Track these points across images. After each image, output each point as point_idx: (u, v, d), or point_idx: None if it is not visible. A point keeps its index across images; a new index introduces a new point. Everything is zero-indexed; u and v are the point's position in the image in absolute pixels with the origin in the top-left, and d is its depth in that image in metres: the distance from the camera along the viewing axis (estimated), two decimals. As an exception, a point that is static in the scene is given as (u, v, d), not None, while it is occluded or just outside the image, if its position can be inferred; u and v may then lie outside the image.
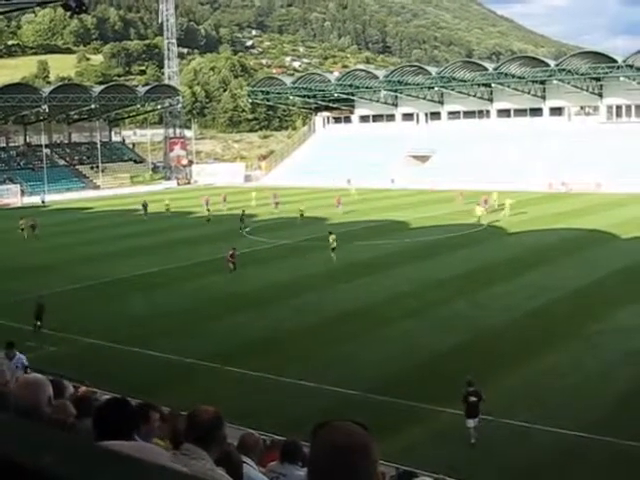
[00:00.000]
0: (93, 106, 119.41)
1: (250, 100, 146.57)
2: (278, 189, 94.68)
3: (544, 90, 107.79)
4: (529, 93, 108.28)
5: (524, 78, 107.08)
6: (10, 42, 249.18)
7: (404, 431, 22.13)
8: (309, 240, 57.06)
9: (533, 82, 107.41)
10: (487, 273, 43.49)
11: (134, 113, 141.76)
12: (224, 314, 36.79)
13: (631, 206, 63.64)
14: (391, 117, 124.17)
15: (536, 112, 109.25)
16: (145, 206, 76.92)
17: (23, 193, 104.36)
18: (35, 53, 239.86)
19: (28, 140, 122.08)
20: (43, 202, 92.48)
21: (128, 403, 5.59)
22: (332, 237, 49.41)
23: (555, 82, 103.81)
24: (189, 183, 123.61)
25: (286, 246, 56.24)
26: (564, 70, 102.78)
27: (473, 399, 21.51)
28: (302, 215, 67.26)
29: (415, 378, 26.79)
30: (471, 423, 21.40)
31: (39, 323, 34.24)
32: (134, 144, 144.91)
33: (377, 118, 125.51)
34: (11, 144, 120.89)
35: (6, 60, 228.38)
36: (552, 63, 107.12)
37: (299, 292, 40.40)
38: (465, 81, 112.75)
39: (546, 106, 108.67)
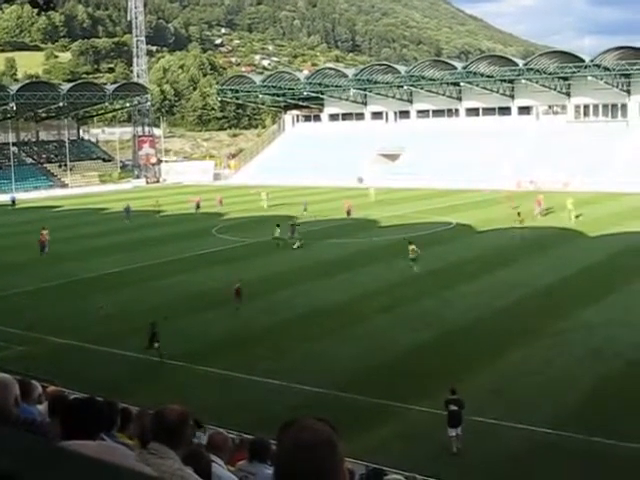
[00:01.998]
0: (61, 104, 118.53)
1: (219, 98, 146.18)
2: (255, 187, 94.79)
3: (512, 89, 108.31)
4: (498, 92, 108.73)
5: (493, 77, 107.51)
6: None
7: (374, 429, 22.19)
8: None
9: (502, 81, 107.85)
10: (456, 271, 43.68)
11: (102, 111, 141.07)
12: (193, 312, 36.71)
13: (598, 204, 64.14)
14: (360, 116, 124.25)
15: (505, 111, 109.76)
16: (128, 210, 72.63)
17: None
18: (2, 50, 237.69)
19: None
20: (13, 202, 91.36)
21: (96, 402, 5.58)
22: (412, 247, 45.11)
23: (523, 81, 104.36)
24: (158, 182, 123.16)
25: (257, 244, 56.16)
26: (532, 69, 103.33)
27: (453, 408, 21.22)
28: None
29: (385, 376, 26.85)
30: (452, 432, 21.05)
31: (156, 345, 29.96)
32: (102, 142, 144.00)
33: (346, 116, 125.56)
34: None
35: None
36: (520, 62, 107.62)
37: (271, 290, 40.40)
38: (434, 80, 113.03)
39: (514, 105, 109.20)
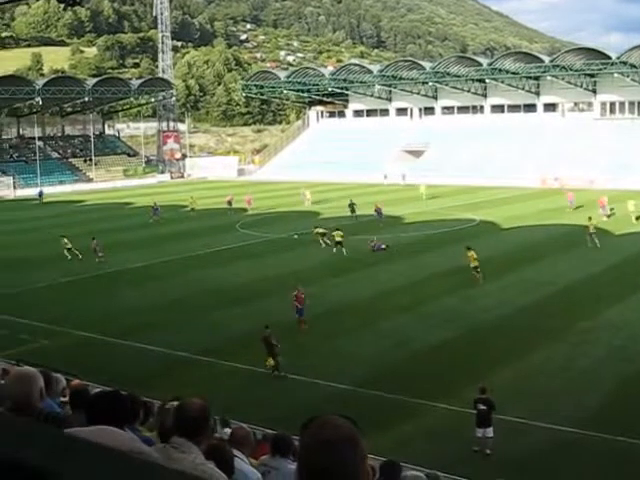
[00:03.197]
0: (87, 99, 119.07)
1: (244, 94, 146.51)
2: (277, 183, 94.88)
3: (538, 86, 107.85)
4: (523, 89, 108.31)
5: (518, 74, 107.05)
6: (4, 34, 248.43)
7: (395, 426, 22.16)
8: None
9: (527, 78, 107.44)
10: (480, 268, 43.51)
11: (128, 106, 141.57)
12: (216, 307, 36.79)
13: (624, 202, 63.65)
14: (385, 112, 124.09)
15: (530, 108, 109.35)
16: (156, 208, 70.23)
17: (16, 186, 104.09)
18: (29, 45, 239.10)
19: (21, 132, 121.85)
20: (40, 195, 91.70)
21: (120, 396, 5.61)
22: (471, 254, 43.24)
23: (549, 78, 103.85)
24: (182, 177, 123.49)
25: (279, 240, 56.21)
26: (558, 66, 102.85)
27: (482, 407, 20.92)
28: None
29: (406, 373, 26.82)
30: (479, 433, 20.82)
31: (276, 360, 27.40)
32: (127, 137, 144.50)
33: (371, 113, 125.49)
34: (4, 136, 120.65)
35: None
36: (546, 59, 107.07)
37: (292, 287, 40.39)
38: (459, 76, 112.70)
39: (540, 102, 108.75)
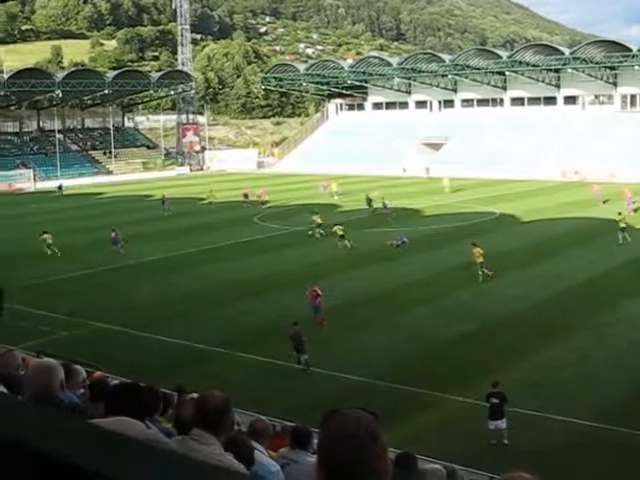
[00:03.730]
0: (106, 91, 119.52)
1: (263, 87, 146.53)
2: (297, 176, 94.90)
3: (558, 78, 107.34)
4: (543, 81, 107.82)
5: (538, 66, 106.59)
6: (24, 27, 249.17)
7: (412, 418, 22.19)
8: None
9: (547, 70, 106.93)
10: (498, 261, 43.35)
11: (147, 99, 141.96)
12: (234, 300, 36.87)
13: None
14: (404, 105, 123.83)
15: (550, 101, 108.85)
16: (165, 201, 70.76)
17: (36, 178, 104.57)
18: (49, 38, 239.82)
19: (41, 125, 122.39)
20: (60, 188, 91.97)
21: (139, 388, 5.63)
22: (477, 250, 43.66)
23: (569, 70, 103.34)
24: (202, 169, 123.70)
25: (298, 233, 56.22)
26: (578, 59, 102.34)
27: (495, 401, 21.09)
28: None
29: (424, 366, 26.83)
30: (492, 425, 21.00)
31: (304, 358, 27.17)
32: (146, 129, 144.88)
33: (390, 105, 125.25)
34: (24, 129, 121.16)
35: (20, 45, 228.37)
36: (567, 51, 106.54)
37: (310, 278, 40.41)
38: (479, 69, 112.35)
39: (560, 95, 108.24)
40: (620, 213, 50.83)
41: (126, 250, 49.81)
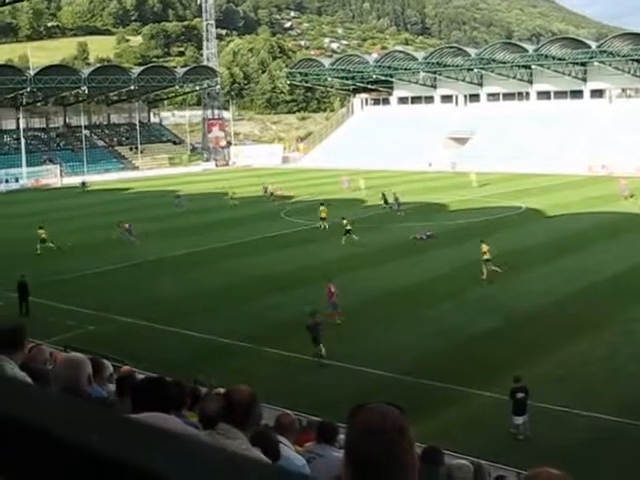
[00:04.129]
0: (132, 87, 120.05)
1: (288, 82, 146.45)
2: (322, 171, 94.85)
3: (585, 72, 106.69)
4: (569, 75, 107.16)
5: (564, 60, 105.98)
6: (50, 24, 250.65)
7: (439, 414, 22.17)
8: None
9: (574, 64, 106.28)
10: (524, 256, 43.21)
11: (173, 94, 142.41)
12: (258, 295, 36.91)
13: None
14: (430, 99, 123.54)
15: (577, 94, 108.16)
16: (178, 197, 71.79)
17: (62, 174, 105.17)
18: (75, 35, 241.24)
19: (68, 121, 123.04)
20: (83, 184, 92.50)
21: (165, 382, 5.65)
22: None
23: (596, 64, 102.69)
24: (227, 164, 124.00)
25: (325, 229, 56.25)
26: (605, 52, 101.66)
27: (521, 395, 21.10)
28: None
29: (450, 361, 26.76)
30: (519, 420, 21.02)
31: (318, 349, 27.59)
32: (172, 125, 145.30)
33: (416, 100, 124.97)
34: (51, 125, 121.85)
35: (46, 42, 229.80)
36: (593, 45, 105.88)
37: (335, 273, 40.39)
38: (505, 63, 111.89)
39: (587, 88, 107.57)
40: None
41: (141, 242, 51.10)
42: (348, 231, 49.75)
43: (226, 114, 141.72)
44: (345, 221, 50.26)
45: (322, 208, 56.27)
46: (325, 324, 28.69)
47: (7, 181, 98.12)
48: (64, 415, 1.08)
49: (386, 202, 63.85)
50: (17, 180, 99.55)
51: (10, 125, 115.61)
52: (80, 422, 1.04)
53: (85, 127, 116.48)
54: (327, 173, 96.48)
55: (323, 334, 27.37)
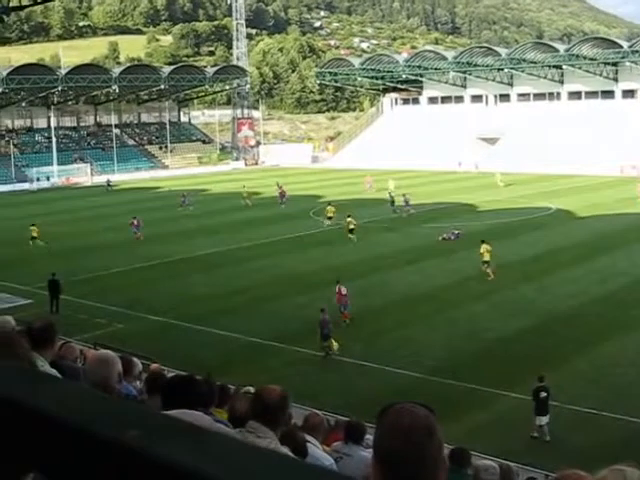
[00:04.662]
0: (162, 86, 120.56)
1: (318, 81, 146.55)
2: (351, 171, 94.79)
3: (616, 72, 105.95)
4: (601, 75, 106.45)
5: (596, 60, 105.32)
6: (81, 23, 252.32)
7: (468, 414, 22.09)
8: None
9: (605, 64, 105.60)
10: (554, 257, 43.01)
11: (203, 94, 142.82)
12: (287, 294, 36.95)
13: None
14: (460, 99, 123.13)
15: (608, 94, 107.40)
16: (183, 196, 71.01)
17: (93, 172, 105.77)
18: (105, 34, 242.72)
19: (98, 120, 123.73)
20: (108, 184, 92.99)
21: (195, 380, 5.68)
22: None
23: (628, 64, 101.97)
24: (257, 164, 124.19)
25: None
26: (637, 52, 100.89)
27: (544, 394, 21.02)
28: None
29: (480, 362, 26.67)
30: (544, 420, 20.94)
31: (329, 350, 28.27)
32: (202, 124, 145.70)
33: (445, 100, 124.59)
34: (82, 124, 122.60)
35: (77, 41, 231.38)
36: (625, 44, 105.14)
37: (364, 274, 40.38)
38: (535, 63, 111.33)
39: (618, 88, 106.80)
40: None
41: (148, 232, 53.04)
42: (351, 230, 50.38)
43: (256, 113, 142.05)
44: (349, 219, 50.90)
45: (329, 207, 56.86)
46: (341, 324, 29.98)
47: (38, 179, 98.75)
48: (100, 411, 1.08)
49: (392, 203, 63.47)
50: (48, 178, 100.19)
51: (42, 124, 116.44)
52: (116, 418, 1.05)
53: (115, 126, 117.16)
54: (356, 173, 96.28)
55: (330, 330, 27.87)
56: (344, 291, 32.56)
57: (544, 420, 20.94)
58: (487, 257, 39.67)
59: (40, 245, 50.87)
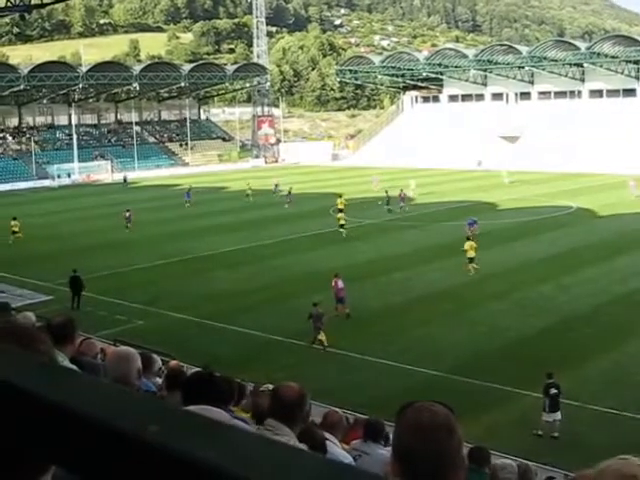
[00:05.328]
0: (183, 84, 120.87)
1: (338, 79, 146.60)
2: (372, 169, 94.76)
3: (638, 70, 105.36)
4: (622, 73, 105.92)
5: (617, 58, 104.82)
6: (102, 21, 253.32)
7: (486, 413, 22.04)
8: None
9: (627, 62, 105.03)
10: (575, 256, 42.83)
11: (223, 91, 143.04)
12: (307, 292, 36.93)
13: None
14: (480, 97, 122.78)
15: (629, 93, 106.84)
16: (188, 192, 72.05)
17: (113, 169, 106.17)
18: (126, 32, 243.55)
19: (119, 117, 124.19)
20: (125, 180, 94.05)
21: (215, 377, 5.69)
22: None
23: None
24: (277, 161, 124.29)
25: (373, 225, 56.17)
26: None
27: (555, 391, 21.03)
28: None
29: (499, 360, 26.60)
30: (554, 417, 20.95)
31: (319, 337, 28.93)
32: (222, 122, 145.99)
33: (466, 98, 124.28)
34: (103, 121, 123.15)
35: (98, 39, 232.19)
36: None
37: (384, 272, 40.34)
38: (556, 61, 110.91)
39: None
40: None
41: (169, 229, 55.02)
42: (342, 225, 52.01)
43: (276, 111, 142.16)
44: (340, 214, 53.34)
45: (340, 200, 57.13)
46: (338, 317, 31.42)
47: (59, 176, 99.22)
48: (121, 406, 1.11)
49: (388, 202, 63.10)
50: (69, 175, 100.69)
51: (63, 121, 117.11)
52: (138, 413, 1.07)
53: (136, 123, 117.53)
54: (376, 171, 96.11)
55: (323, 323, 28.73)
56: (340, 284, 32.89)
57: (557, 417, 20.92)
58: (472, 254, 40.39)
59: (21, 239, 51.91)
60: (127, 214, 57.46)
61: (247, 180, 78.25)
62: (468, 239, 41.61)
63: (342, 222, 52.11)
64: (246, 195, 72.12)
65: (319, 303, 29.56)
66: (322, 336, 28.48)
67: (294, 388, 5.23)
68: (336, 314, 32.14)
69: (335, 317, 31.57)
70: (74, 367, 5.68)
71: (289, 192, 69.09)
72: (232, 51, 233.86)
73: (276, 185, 76.45)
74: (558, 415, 20.99)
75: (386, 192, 64.13)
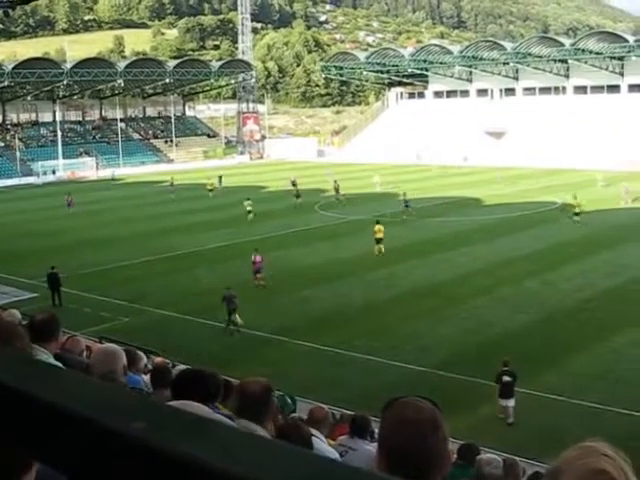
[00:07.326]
0: (167, 80, 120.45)
1: (323, 75, 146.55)
2: (356, 165, 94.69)
3: (622, 66, 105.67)
4: (607, 69, 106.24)
5: (602, 54, 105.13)
6: (86, 17, 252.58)
7: (472, 409, 22.09)
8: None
9: (611, 58, 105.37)
10: (560, 252, 42.97)
11: (208, 88, 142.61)
12: (294, 288, 36.96)
13: None
14: (465, 93, 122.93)
15: (614, 89, 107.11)
16: (172, 183, 77.78)
17: (98, 166, 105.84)
18: (111, 28, 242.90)
19: (103, 114, 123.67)
20: (113, 177, 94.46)
21: (204, 374, 5.68)
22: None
23: (634, 58, 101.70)
24: (262, 158, 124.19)
25: (358, 222, 56.18)
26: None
27: (507, 379, 21.58)
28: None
29: (486, 356, 26.60)
30: (504, 403, 21.65)
31: (235, 320, 30.67)
32: (207, 118, 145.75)
33: (451, 94, 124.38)
34: (87, 118, 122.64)
35: (82, 35, 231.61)
36: (631, 39, 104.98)
37: (372, 267, 40.39)
38: (541, 57, 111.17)
39: (624, 83, 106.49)
40: None
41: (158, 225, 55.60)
42: (250, 211, 57.01)
43: (261, 108, 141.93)
44: (248, 201, 58.09)
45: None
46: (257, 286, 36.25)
47: (44, 173, 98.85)
48: (107, 402, 1.10)
49: (337, 191, 66.11)
50: (54, 172, 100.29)
51: (47, 118, 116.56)
52: (123, 409, 1.06)
53: (121, 120, 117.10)
54: (361, 167, 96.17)
55: (236, 304, 30.44)
56: (259, 259, 37.50)
57: (510, 403, 21.54)
58: (380, 235, 43.80)
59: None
60: (69, 198, 63.43)
61: (209, 177, 78.59)
62: (378, 222, 44.95)
63: (249, 209, 57.46)
64: (208, 190, 73.42)
65: (230, 287, 31.48)
66: (236, 318, 30.17)
67: (258, 382, 5.14)
68: (256, 284, 36.77)
69: (256, 287, 35.89)
70: (58, 364, 5.66)
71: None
72: (217, 47, 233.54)
73: (293, 182, 74.16)
74: (512, 402, 21.52)
75: (335, 182, 67.02)
